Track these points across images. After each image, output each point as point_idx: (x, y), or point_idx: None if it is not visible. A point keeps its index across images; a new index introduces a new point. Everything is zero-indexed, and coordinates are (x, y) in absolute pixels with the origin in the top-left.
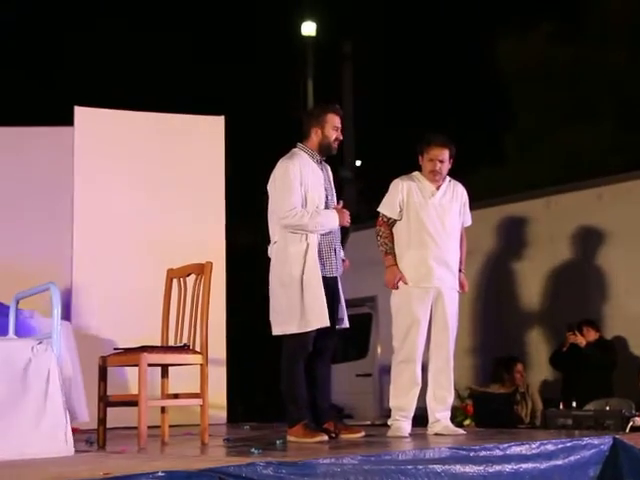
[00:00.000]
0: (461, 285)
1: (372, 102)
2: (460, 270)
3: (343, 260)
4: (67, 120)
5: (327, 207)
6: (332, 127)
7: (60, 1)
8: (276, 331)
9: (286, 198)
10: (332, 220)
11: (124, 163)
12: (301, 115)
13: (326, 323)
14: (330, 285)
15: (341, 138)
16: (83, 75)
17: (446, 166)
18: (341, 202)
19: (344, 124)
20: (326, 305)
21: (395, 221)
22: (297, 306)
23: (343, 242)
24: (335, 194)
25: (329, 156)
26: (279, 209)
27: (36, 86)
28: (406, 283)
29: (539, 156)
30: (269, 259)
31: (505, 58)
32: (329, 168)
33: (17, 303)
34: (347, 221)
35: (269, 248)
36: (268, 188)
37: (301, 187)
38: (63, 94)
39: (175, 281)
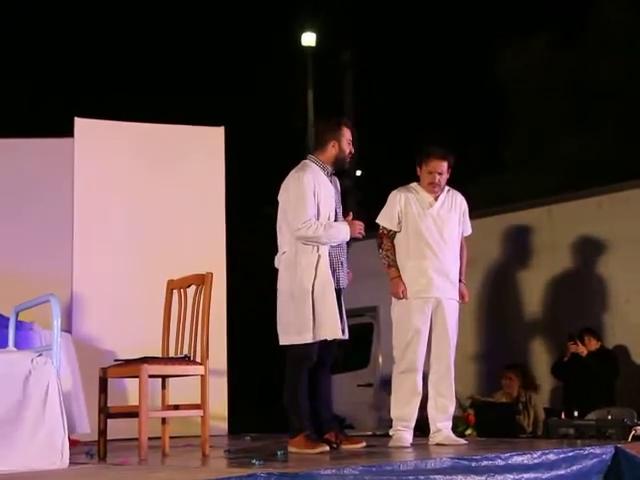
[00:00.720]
0: (461, 295)
1: (372, 112)
2: (460, 280)
3: (348, 272)
4: (67, 131)
5: (337, 219)
6: (347, 140)
7: (60, 11)
8: (284, 341)
9: (301, 210)
10: (344, 232)
11: (124, 174)
12: (317, 126)
13: (339, 335)
14: (336, 296)
15: (353, 152)
16: (83, 86)
17: (445, 177)
18: (350, 214)
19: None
20: (338, 316)
21: (395, 233)
22: (308, 317)
23: None
24: (342, 206)
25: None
26: (294, 221)
27: (36, 97)
28: (407, 298)
29: (540, 165)
30: (275, 269)
31: (505, 68)
32: (338, 181)
33: (17, 315)
34: (359, 232)
35: (276, 258)
36: (279, 199)
37: (314, 198)
38: (63, 105)
39: (175, 292)
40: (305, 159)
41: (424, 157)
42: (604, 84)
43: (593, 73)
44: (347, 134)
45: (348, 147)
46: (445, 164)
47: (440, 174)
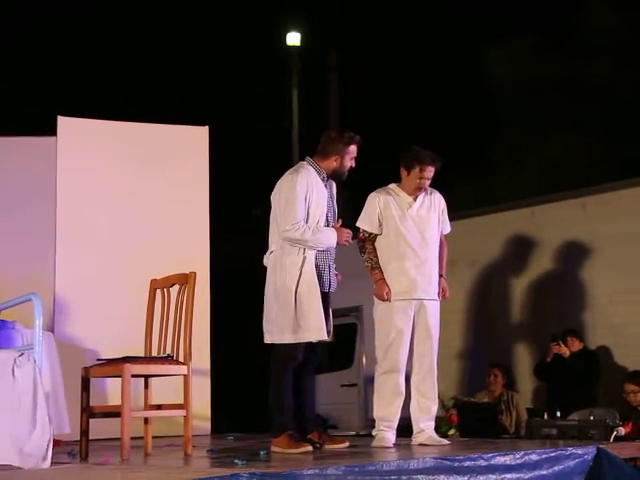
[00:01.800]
0: (442, 290)
1: (358, 112)
2: (441, 275)
3: (336, 274)
4: (49, 130)
5: (327, 224)
6: (350, 157)
7: (43, 8)
8: (267, 339)
9: (290, 211)
10: (331, 238)
11: (107, 174)
12: (326, 135)
13: (324, 336)
14: (322, 300)
15: (354, 166)
16: (66, 85)
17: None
18: (340, 221)
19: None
20: (323, 317)
21: (376, 235)
22: (290, 316)
23: None
24: (337, 211)
25: None
26: (282, 221)
27: (18, 95)
28: (390, 300)
29: (524, 167)
30: (261, 269)
31: (490, 70)
32: (334, 185)
33: None
34: (345, 240)
35: (265, 257)
36: (272, 199)
37: (305, 202)
38: (46, 104)
39: (159, 291)
40: (304, 160)
41: (416, 162)
42: (588, 87)
43: (577, 76)
44: (352, 151)
45: (350, 163)
46: (433, 169)
47: (428, 179)
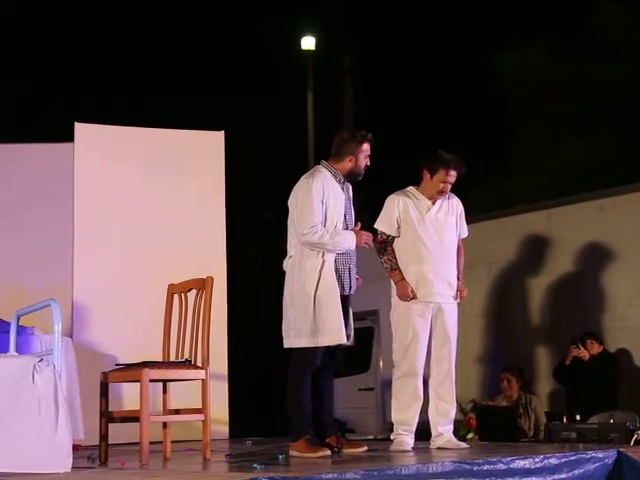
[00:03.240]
0: (459, 290)
1: (373, 115)
2: (458, 279)
3: (357, 278)
4: (67, 137)
5: (346, 227)
6: (365, 156)
7: (61, 16)
8: (286, 344)
9: (307, 215)
10: (350, 241)
11: (124, 179)
12: (339, 136)
13: (343, 340)
14: (342, 303)
15: (369, 164)
16: (83, 91)
17: None
18: (359, 224)
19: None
20: (342, 321)
21: (394, 238)
22: (308, 321)
23: None
24: (354, 214)
25: None
26: (300, 226)
27: (35, 103)
28: (416, 297)
29: (540, 169)
30: (280, 272)
31: (505, 72)
32: (350, 188)
33: (18, 320)
34: (365, 242)
35: (284, 262)
36: (289, 203)
37: (322, 205)
38: (63, 110)
39: (176, 296)
40: (319, 164)
41: (441, 166)
42: (605, 87)
43: (593, 77)
44: (366, 149)
45: (364, 162)
46: (457, 174)
47: (451, 184)
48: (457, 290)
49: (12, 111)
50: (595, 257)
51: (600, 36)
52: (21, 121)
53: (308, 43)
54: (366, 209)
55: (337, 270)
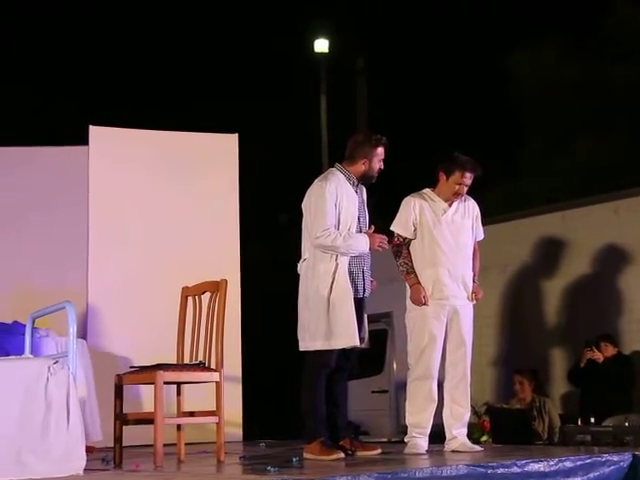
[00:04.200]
0: (474, 292)
1: (386, 117)
2: (474, 281)
3: (371, 281)
4: (81, 140)
5: (359, 229)
6: (379, 160)
7: (75, 20)
8: (301, 346)
9: (320, 219)
10: (363, 244)
11: (139, 182)
12: (353, 139)
13: (356, 343)
14: (356, 305)
15: (382, 168)
16: (97, 94)
17: None
18: (372, 227)
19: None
20: (356, 324)
21: (410, 240)
22: (323, 323)
23: None
24: (368, 217)
25: None
26: (312, 229)
27: (49, 106)
28: (427, 304)
29: (554, 171)
30: (294, 275)
31: (517, 74)
32: (364, 191)
33: (33, 322)
34: (378, 245)
35: (299, 265)
36: (303, 206)
37: (335, 208)
38: (77, 113)
39: (190, 299)
40: (333, 167)
41: (457, 168)
42: (619, 89)
43: (606, 78)
44: (380, 153)
45: (378, 165)
46: (473, 176)
47: (467, 186)
48: (472, 292)
49: (27, 114)
50: (610, 259)
51: (614, 38)
52: (36, 124)
53: (321, 46)
54: (380, 212)
55: (351, 273)
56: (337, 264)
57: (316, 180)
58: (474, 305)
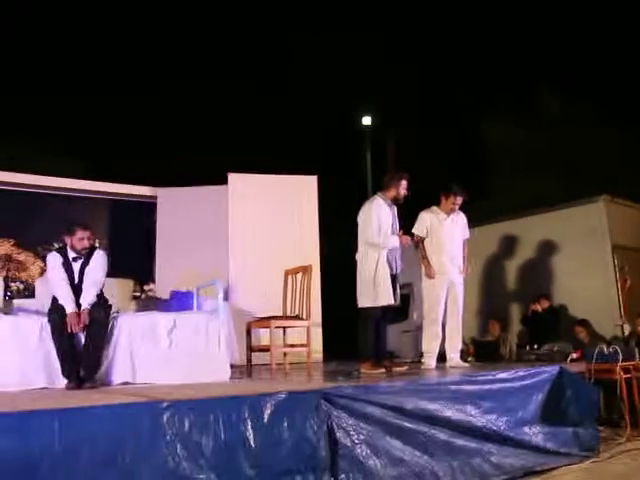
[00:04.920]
0: (465, 270)
1: (407, 163)
2: (463, 263)
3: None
4: (222, 181)
5: (392, 232)
6: (402, 187)
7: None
8: (360, 304)
9: (369, 226)
10: (395, 242)
11: (258, 208)
12: (388, 176)
13: (392, 301)
14: (391, 279)
15: (407, 194)
16: (232, 144)
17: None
18: (401, 231)
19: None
20: (392, 290)
21: (424, 238)
22: (370, 290)
23: None
24: (398, 224)
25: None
26: (363, 233)
27: (196, 155)
28: (434, 277)
29: (511, 194)
30: (356, 261)
31: (494, 134)
32: (396, 209)
33: (198, 291)
34: (405, 243)
35: (357, 255)
36: (358, 218)
37: (377, 220)
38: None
39: (290, 277)
40: (375, 194)
41: (454, 193)
42: (547, 148)
43: (538, 139)
44: (404, 184)
45: (403, 191)
46: (462, 198)
47: (458, 204)
48: (463, 270)
49: (182, 164)
50: (546, 248)
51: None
52: (191, 170)
53: (366, 121)
54: (406, 221)
55: (388, 259)
56: (379, 254)
57: (365, 202)
58: (464, 278)
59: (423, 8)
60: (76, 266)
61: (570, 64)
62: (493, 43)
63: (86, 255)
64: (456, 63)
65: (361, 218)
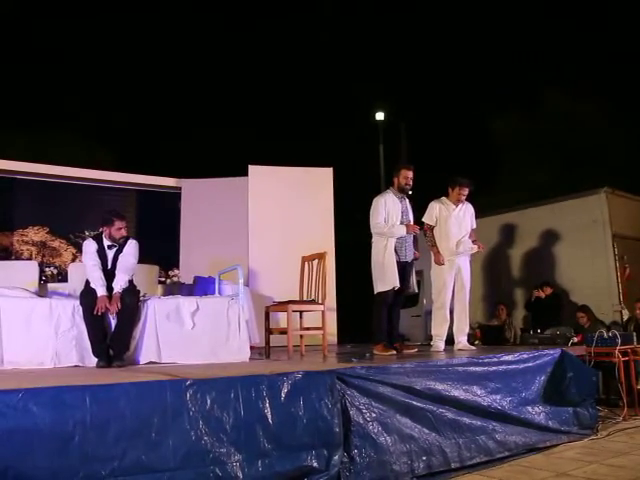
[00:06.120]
0: (479, 246)
1: (418, 157)
2: (474, 242)
3: (415, 252)
4: (242, 172)
5: (402, 221)
6: (404, 178)
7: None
8: (375, 289)
9: (375, 217)
10: (401, 230)
11: (276, 199)
12: (392, 170)
13: (397, 285)
14: (402, 265)
15: (410, 184)
16: (254, 136)
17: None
18: (411, 219)
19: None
20: (397, 275)
21: (433, 227)
22: (380, 275)
23: None
24: (411, 213)
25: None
26: (372, 222)
27: (222, 146)
28: (443, 264)
29: (516, 187)
30: (369, 247)
31: (497, 130)
32: (407, 201)
33: (219, 276)
34: (412, 230)
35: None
36: (370, 210)
37: (384, 211)
38: (237, 152)
39: (306, 263)
40: (388, 188)
41: (459, 185)
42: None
43: (542, 134)
44: (405, 174)
45: (403, 182)
46: (469, 189)
47: (465, 195)
48: (479, 245)
49: (205, 156)
50: (549, 239)
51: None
52: (215, 162)
53: (380, 116)
54: (419, 210)
55: (395, 247)
56: (387, 242)
57: (377, 196)
58: (470, 262)
59: (435, 6)
60: (110, 253)
61: (573, 58)
62: (498, 40)
63: (120, 243)
64: (467, 61)
65: (371, 209)
